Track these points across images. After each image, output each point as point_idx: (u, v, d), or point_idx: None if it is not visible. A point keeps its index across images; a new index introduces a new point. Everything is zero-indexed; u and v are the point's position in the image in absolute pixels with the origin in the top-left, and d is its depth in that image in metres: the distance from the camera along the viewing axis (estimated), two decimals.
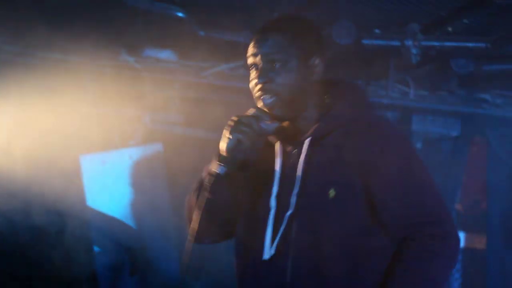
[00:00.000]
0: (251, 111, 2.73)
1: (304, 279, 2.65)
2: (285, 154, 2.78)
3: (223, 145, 2.71)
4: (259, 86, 2.71)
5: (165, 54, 4.94)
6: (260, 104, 2.73)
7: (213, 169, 2.70)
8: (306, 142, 2.73)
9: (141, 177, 5.21)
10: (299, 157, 2.73)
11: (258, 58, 2.71)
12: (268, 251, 2.69)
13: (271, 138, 2.84)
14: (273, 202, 2.73)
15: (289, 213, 2.68)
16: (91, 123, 4.82)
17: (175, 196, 5.16)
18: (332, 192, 2.64)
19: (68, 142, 4.58)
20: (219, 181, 2.71)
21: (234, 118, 2.71)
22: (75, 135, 4.67)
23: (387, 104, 4.97)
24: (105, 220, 5.04)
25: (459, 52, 4.50)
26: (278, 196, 2.73)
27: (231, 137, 2.68)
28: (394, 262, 2.63)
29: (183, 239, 2.98)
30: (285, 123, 2.79)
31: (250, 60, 2.75)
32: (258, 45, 2.72)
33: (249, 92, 2.77)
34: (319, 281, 2.64)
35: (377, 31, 4.50)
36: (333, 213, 2.64)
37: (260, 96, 2.72)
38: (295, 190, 2.69)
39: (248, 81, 2.76)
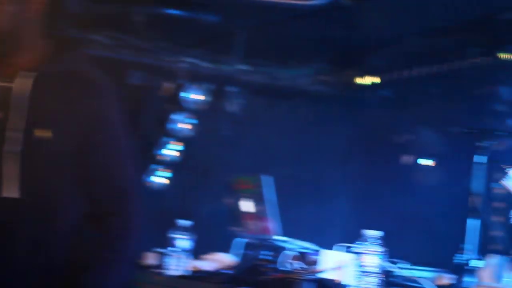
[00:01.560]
0: None
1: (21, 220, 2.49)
2: None
3: None
4: None
5: None
6: None
7: None
8: (29, 77, 2.55)
9: None
10: (17, 91, 2.54)
11: None
12: None
13: None
14: None
15: (15, 148, 2.50)
16: None
17: None
18: (49, 133, 2.51)
19: None
20: None
21: None
22: None
23: None
24: None
25: None
26: None
27: None
28: (102, 238, 2.55)
29: None
30: None
31: None
32: None
33: None
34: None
35: None
36: (47, 155, 2.51)
37: None
38: (20, 126, 2.50)
39: None
